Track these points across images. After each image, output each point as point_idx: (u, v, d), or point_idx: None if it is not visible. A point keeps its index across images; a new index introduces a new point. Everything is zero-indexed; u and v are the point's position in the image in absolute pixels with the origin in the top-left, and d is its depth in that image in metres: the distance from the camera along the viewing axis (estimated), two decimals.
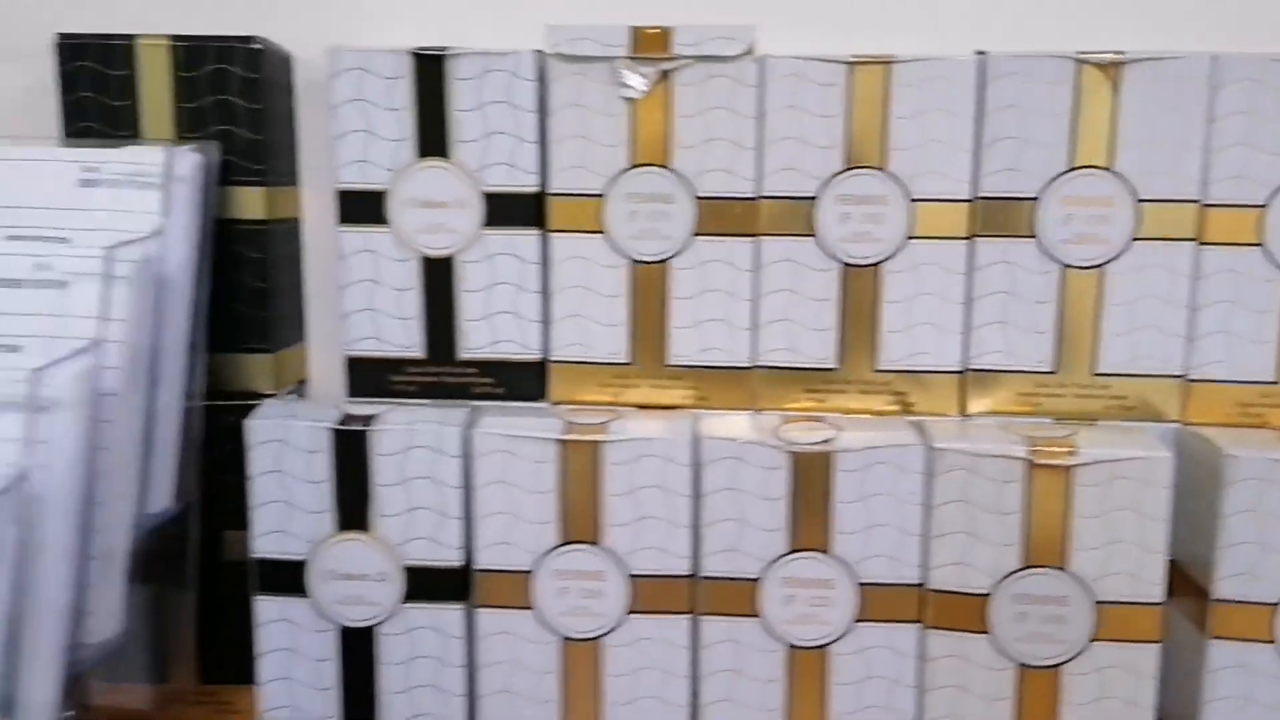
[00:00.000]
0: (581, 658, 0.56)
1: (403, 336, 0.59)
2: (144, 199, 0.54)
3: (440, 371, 0.60)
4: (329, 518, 0.55)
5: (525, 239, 0.58)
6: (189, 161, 0.55)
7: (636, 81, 0.56)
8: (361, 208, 0.58)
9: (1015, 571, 0.53)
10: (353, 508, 0.55)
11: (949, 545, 0.53)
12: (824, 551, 0.54)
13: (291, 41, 0.62)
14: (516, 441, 0.54)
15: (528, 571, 0.55)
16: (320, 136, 0.64)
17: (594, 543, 0.55)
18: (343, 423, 0.55)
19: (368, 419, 0.55)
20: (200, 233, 0.56)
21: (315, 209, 0.64)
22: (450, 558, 0.55)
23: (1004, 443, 0.53)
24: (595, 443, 0.54)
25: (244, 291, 0.60)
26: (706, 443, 0.54)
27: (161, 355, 0.53)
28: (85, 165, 0.55)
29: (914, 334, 0.57)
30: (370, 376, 0.60)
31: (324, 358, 0.66)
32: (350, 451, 0.55)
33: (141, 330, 0.51)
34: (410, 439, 0.54)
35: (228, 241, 0.59)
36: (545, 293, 0.59)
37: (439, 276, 0.59)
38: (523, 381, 0.60)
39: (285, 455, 0.55)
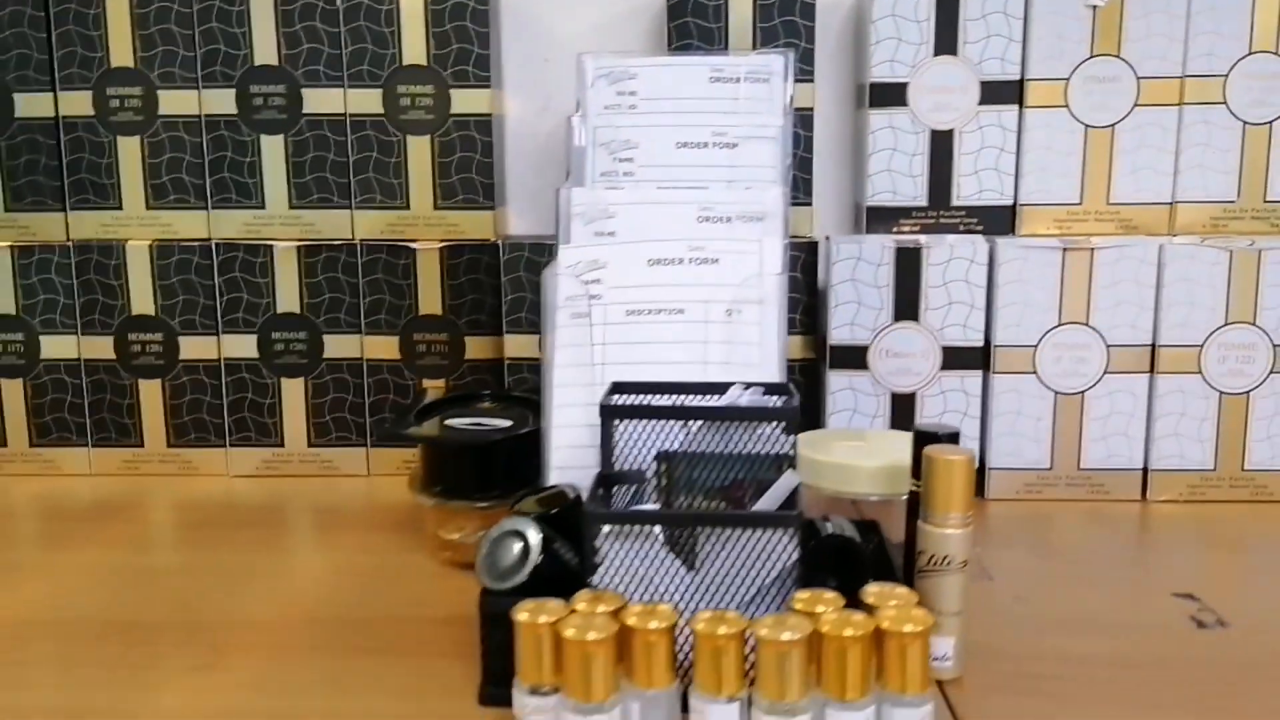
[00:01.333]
0: (1069, 407, 0.78)
1: (911, 190, 0.82)
2: (760, 89, 0.77)
3: (937, 215, 0.82)
4: (888, 312, 0.78)
5: (1008, 113, 0.80)
6: (788, 64, 0.78)
7: None
8: (888, 94, 0.81)
9: None
10: (906, 304, 0.78)
11: None
12: (1251, 324, 0.76)
13: None
14: (1030, 250, 0.77)
15: (1034, 345, 0.78)
16: (828, 44, 0.87)
17: (1084, 323, 0.77)
18: (901, 242, 0.78)
19: (916, 239, 0.78)
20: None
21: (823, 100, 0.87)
22: (976, 338, 0.78)
23: None
24: (1090, 250, 0.76)
25: (797, 160, 0.82)
26: (1168, 247, 0.76)
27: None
28: (714, 67, 0.77)
29: None
30: (883, 221, 0.83)
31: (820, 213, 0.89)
32: (907, 262, 0.78)
33: (785, 177, 0.74)
34: (951, 252, 0.77)
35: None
36: (1019, 153, 0.81)
37: (941, 144, 0.81)
38: (997, 221, 0.82)
39: (859, 268, 0.78)
